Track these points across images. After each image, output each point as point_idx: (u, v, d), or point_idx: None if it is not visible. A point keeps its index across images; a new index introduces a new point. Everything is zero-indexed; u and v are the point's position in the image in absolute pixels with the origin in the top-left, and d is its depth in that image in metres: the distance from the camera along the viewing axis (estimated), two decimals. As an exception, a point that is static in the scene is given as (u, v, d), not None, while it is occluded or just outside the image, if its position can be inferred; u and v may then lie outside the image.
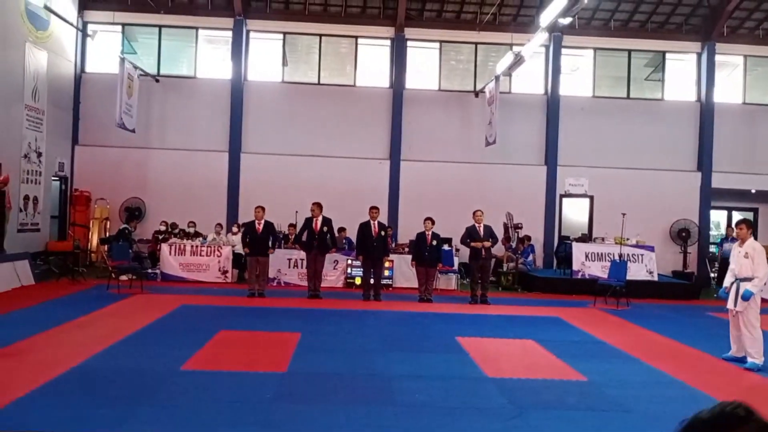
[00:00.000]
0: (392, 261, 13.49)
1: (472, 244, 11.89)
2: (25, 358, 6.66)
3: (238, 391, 5.72)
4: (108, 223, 15.90)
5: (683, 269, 16.73)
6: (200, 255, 13.67)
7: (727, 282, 7.90)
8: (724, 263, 13.11)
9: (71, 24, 15.13)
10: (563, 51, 17.13)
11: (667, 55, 17.64)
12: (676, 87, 17.73)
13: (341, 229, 14.60)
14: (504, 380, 6.45)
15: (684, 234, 16.86)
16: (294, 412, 5.22)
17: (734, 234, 9.43)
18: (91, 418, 4.86)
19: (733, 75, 18.01)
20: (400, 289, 13.44)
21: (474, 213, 12.12)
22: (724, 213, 18.29)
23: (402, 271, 13.64)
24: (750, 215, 17.42)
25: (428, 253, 12.01)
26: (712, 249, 17.31)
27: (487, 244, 11.89)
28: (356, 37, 17.08)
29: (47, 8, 14.03)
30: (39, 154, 14.11)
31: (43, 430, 4.50)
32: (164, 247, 13.71)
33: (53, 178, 15.30)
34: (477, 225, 12.01)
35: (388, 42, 17.14)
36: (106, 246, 14.67)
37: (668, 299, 13.49)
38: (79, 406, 5.15)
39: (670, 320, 10.93)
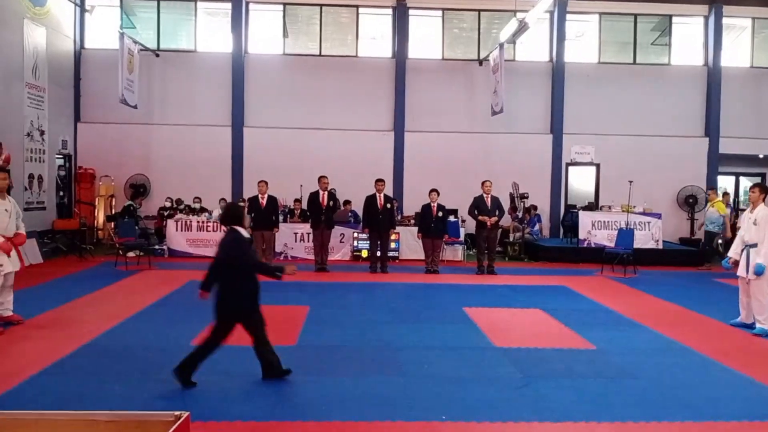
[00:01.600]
0: (398, 233, 13.46)
1: (480, 217, 11.85)
2: (37, 335, 6.72)
3: (248, 364, 5.74)
4: (113, 200, 15.91)
5: (690, 236, 16.67)
6: (206, 230, 13.68)
7: (732, 252, 7.83)
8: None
9: (69, -1, 14.94)
10: (568, 17, 16.85)
11: (674, 19, 17.32)
12: (683, 51, 17.44)
13: (346, 202, 14.59)
14: (512, 350, 6.47)
15: (691, 200, 16.76)
16: (304, 384, 5.25)
17: (747, 198, 9.10)
18: (103, 394, 4.90)
19: (740, 38, 17.71)
20: (406, 261, 13.44)
21: (482, 183, 12.02)
22: (732, 179, 18.15)
23: (408, 243, 13.63)
24: (758, 180, 17.28)
25: (434, 224, 11.99)
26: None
27: (494, 220, 11.84)
28: (357, 7, 16.81)
29: (44, -17, 13.84)
30: (42, 133, 14.07)
31: (54, 410, 4.53)
32: (171, 223, 13.73)
33: (57, 156, 15.27)
34: (485, 195, 11.95)
35: (390, 11, 16.88)
36: (112, 223, 14.71)
37: (675, 266, 13.48)
38: (90, 382, 5.20)
39: (678, 287, 10.92)
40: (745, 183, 18.00)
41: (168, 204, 14.97)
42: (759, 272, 7.25)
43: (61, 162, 15.56)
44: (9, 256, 6.99)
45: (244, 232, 5.26)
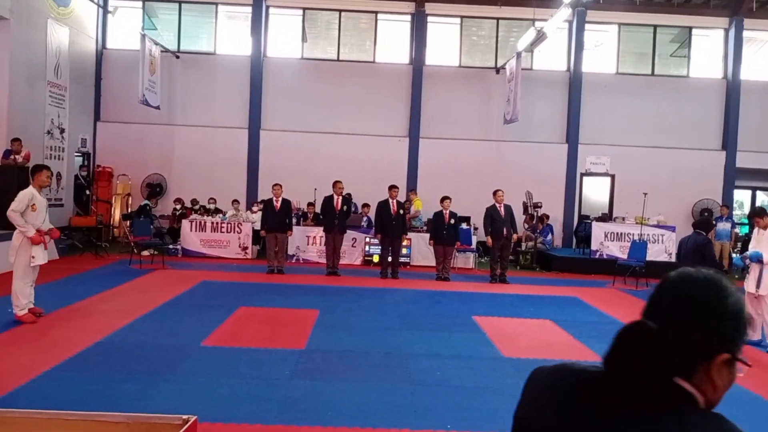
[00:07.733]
0: (410, 239, 13.52)
1: (488, 242, 12.04)
2: (51, 332, 6.84)
3: (257, 367, 5.83)
4: (130, 198, 16.12)
5: (705, 249, 16.50)
6: (221, 231, 13.81)
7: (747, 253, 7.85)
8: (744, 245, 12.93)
9: (92, 0, 15.17)
10: (587, 26, 16.82)
11: (694, 31, 17.23)
12: (702, 64, 17.34)
13: (365, 205, 14.64)
14: (520, 360, 6.49)
15: (706, 214, 16.61)
16: (312, 388, 5.31)
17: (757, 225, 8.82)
18: (114, 392, 4.99)
19: (761, 51, 17.57)
20: (417, 267, 13.48)
21: (495, 193, 12.02)
22: (748, 193, 17.99)
23: (420, 249, 13.66)
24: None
25: (446, 231, 12.02)
26: (736, 230, 17.06)
27: (515, 238, 12.39)
28: (376, 13, 16.92)
29: (68, -16, 14.09)
30: (62, 131, 14.30)
31: (67, 410, 4.62)
32: (185, 223, 13.87)
33: (76, 154, 15.50)
34: (498, 205, 11.95)
35: (408, 17, 16.96)
36: (128, 222, 14.90)
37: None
38: (102, 380, 5.29)
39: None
40: (762, 197, 17.84)
41: (178, 206, 15.13)
42: (753, 258, 7.46)
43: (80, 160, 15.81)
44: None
45: None
